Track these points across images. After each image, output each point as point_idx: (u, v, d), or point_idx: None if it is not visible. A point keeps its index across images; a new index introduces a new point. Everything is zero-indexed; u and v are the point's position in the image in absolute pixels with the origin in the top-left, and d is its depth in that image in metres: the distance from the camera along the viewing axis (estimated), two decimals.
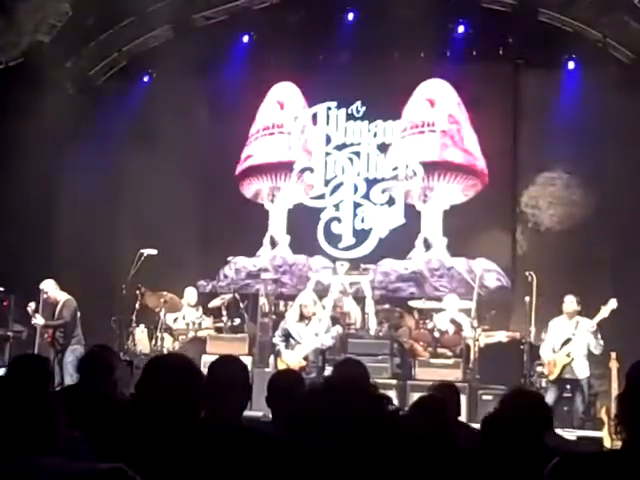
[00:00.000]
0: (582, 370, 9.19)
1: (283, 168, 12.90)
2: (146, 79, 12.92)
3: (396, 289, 12.14)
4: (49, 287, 10.01)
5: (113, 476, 1.88)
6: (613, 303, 9.04)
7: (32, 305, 9.99)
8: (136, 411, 2.59)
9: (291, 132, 12.92)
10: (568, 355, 9.17)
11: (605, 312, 9.06)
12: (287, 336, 9.56)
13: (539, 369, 9.65)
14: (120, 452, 2.52)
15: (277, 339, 9.64)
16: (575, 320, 9.26)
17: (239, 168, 13.04)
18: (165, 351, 10.06)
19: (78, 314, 9.99)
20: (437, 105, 12.50)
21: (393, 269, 12.21)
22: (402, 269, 12.20)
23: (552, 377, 9.21)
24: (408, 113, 12.52)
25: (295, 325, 9.58)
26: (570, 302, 9.32)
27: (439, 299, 11.11)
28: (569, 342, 9.19)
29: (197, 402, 2.35)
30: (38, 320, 9.95)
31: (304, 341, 9.45)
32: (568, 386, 9.25)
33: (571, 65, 11.84)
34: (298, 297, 9.99)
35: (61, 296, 10.02)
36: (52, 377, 3.80)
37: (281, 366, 9.19)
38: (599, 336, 9.14)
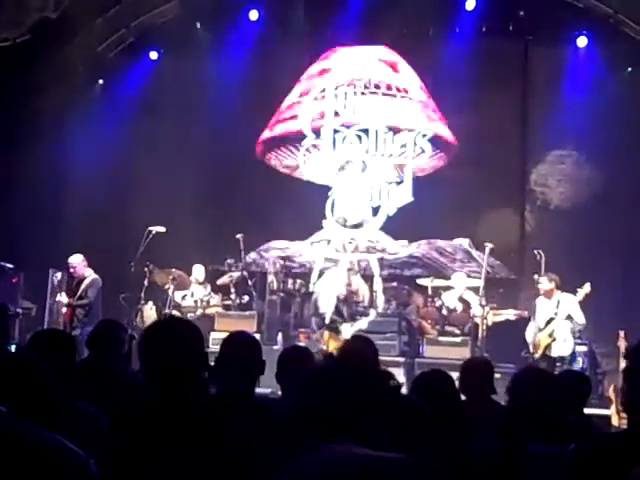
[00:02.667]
0: (565, 348, 9.21)
1: (287, 144, 12.84)
2: (154, 55, 12.87)
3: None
4: (77, 262, 9.95)
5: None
6: (587, 287, 9.05)
7: (58, 275, 9.98)
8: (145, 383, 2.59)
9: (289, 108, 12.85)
10: (550, 335, 9.20)
11: (580, 296, 9.06)
12: (340, 314, 9.59)
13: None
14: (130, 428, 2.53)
15: (334, 316, 9.59)
16: (556, 298, 9.26)
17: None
18: None
19: None
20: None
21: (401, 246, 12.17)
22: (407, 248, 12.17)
23: (537, 356, 9.22)
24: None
25: (340, 304, 9.60)
26: (541, 283, 9.33)
27: (447, 277, 11.10)
28: (552, 321, 9.20)
29: (202, 360, 2.31)
30: (62, 298, 9.93)
31: (348, 320, 9.48)
32: (558, 363, 9.21)
33: (581, 41, 11.74)
34: (340, 275, 9.88)
35: (87, 272, 9.98)
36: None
37: (333, 344, 9.17)
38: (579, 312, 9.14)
